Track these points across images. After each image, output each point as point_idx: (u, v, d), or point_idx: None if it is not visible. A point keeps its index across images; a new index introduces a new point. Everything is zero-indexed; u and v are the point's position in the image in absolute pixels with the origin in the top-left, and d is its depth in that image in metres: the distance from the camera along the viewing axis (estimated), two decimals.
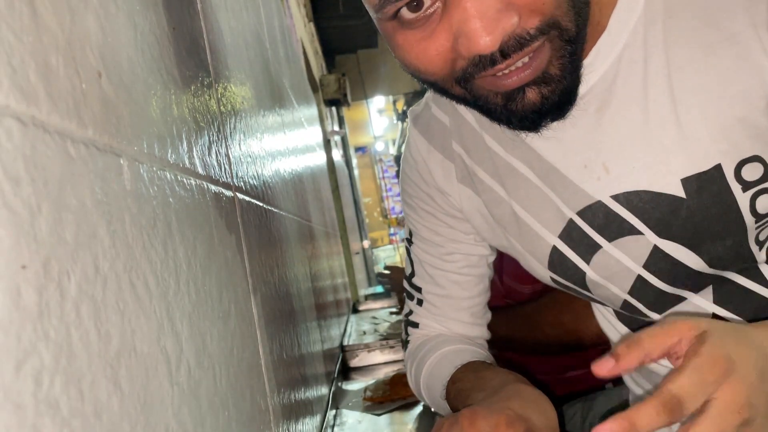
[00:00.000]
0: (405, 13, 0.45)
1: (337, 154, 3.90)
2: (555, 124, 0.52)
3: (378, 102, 7.46)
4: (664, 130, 0.51)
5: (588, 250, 0.58)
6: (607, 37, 0.51)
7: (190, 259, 0.45)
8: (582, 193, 0.56)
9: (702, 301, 0.56)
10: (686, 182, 0.51)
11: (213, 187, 0.55)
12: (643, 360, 0.42)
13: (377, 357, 1.62)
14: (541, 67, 0.45)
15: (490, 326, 0.81)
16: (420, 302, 0.78)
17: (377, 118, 8.38)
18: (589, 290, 0.62)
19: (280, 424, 0.67)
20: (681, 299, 0.57)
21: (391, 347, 1.61)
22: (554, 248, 0.61)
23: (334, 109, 4.42)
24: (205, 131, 0.56)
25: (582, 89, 0.51)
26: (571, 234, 0.59)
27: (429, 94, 0.70)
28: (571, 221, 0.58)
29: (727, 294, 0.55)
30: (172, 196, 0.43)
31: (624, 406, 1.13)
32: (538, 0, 0.43)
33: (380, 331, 1.91)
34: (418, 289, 0.78)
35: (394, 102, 7.78)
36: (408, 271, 0.79)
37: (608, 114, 0.52)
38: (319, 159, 2.47)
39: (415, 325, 0.79)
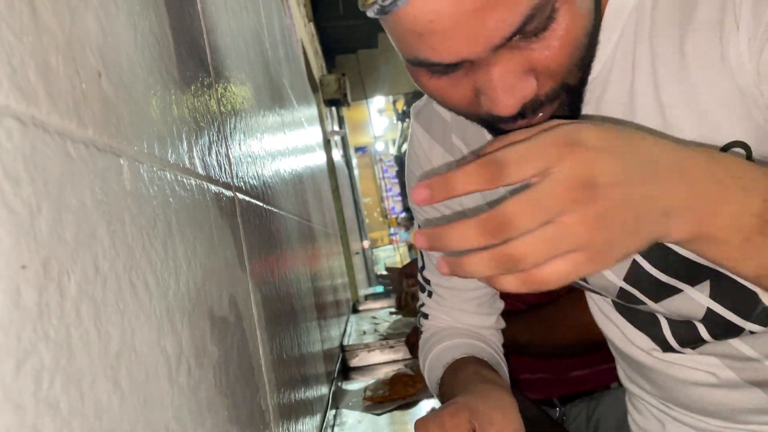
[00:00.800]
0: (438, 68, 0.47)
1: (337, 154, 3.89)
2: None
3: (378, 102, 7.46)
4: (648, 119, 0.52)
5: None
6: (605, 28, 0.52)
7: (190, 259, 0.45)
8: None
9: (698, 295, 0.57)
10: None
11: (213, 187, 0.55)
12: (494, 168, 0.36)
13: (377, 357, 1.62)
14: (546, 116, 0.49)
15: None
16: (430, 294, 0.81)
17: (377, 118, 8.38)
18: (585, 279, 0.63)
19: (279, 424, 0.67)
20: (677, 290, 0.57)
21: (391, 347, 1.61)
22: None
23: (334, 109, 4.42)
24: (205, 131, 0.56)
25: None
26: None
27: None
28: None
29: (723, 290, 0.56)
30: (172, 196, 0.43)
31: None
32: (555, 68, 0.45)
33: (380, 331, 1.91)
34: (428, 282, 0.81)
35: (394, 102, 7.78)
36: (420, 264, 0.82)
37: (603, 102, 0.54)
38: (319, 159, 2.47)
39: (426, 316, 0.83)
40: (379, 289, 3.22)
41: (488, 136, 0.64)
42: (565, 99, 0.48)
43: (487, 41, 0.42)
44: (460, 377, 0.70)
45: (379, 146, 10.68)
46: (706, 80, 0.49)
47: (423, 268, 0.81)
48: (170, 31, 0.51)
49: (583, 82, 0.49)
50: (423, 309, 0.83)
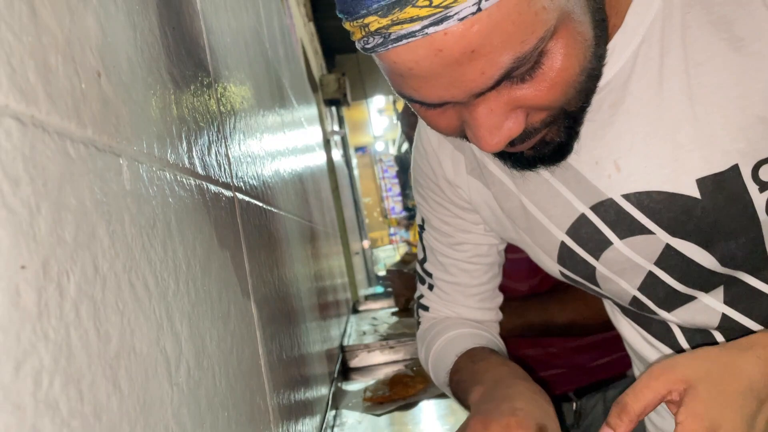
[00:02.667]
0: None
1: (337, 154, 3.89)
2: None
3: (378, 102, 7.45)
4: (680, 128, 0.50)
5: (598, 246, 0.58)
6: (622, 34, 0.51)
7: (190, 259, 0.45)
8: (594, 189, 0.56)
9: (712, 301, 0.56)
10: (701, 182, 0.50)
11: (213, 187, 0.55)
12: (637, 421, 0.44)
13: (377, 357, 1.62)
14: (538, 139, 0.48)
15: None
16: (431, 287, 0.81)
17: (377, 118, 8.37)
18: (598, 285, 0.62)
19: (279, 424, 0.67)
20: (691, 298, 0.57)
21: (391, 347, 1.61)
22: (563, 243, 0.61)
23: (334, 109, 4.42)
24: (205, 131, 0.56)
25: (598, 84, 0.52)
26: (579, 231, 0.59)
27: None
28: (582, 216, 0.58)
29: (737, 295, 0.55)
30: (171, 196, 0.42)
31: None
32: (548, 102, 0.44)
33: (380, 331, 1.91)
34: (429, 275, 0.80)
35: (394, 102, 7.77)
36: (420, 257, 0.82)
37: (622, 111, 0.52)
38: (319, 159, 2.47)
39: (426, 308, 0.82)
40: (379, 289, 3.23)
41: None
42: (562, 120, 0.48)
43: (468, 90, 0.42)
44: (481, 367, 0.68)
45: (379, 146, 10.68)
46: (749, 93, 0.47)
47: (424, 260, 0.80)
48: (170, 31, 0.50)
49: (586, 100, 0.48)
50: (422, 301, 0.83)
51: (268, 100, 1.08)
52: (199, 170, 0.51)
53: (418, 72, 0.42)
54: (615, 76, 0.51)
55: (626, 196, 0.54)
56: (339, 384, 1.42)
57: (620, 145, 0.53)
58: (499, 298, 0.81)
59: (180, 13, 0.55)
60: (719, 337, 0.58)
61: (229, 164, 0.64)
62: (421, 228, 0.79)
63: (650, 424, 0.76)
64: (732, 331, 0.56)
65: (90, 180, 0.30)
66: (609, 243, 0.57)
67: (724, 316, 0.56)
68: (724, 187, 0.50)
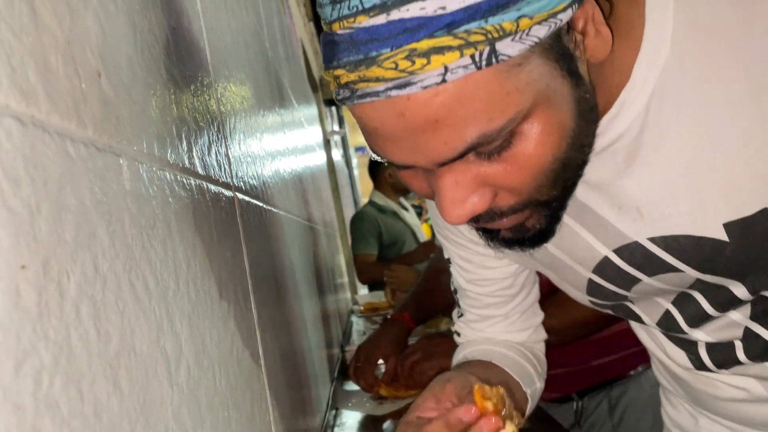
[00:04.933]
0: None
1: (337, 154, 3.89)
2: (587, 166, 0.51)
3: None
4: (703, 176, 0.48)
5: (627, 283, 0.58)
6: (630, 89, 0.49)
7: (190, 259, 0.45)
8: (618, 232, 0.54)
9: (739, 317, 0.56)
10: (729, 226, 0.49)
11: (213, 187, 0.55)
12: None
13: None
14: (514, 222, 0.47)
15: None
16: (461, 315, 0.82)
17: None
18: (631, 301, 0.62)
19: (279, 424, 0.67)
20: (718, 316, 0.57)
21: None
22: (590, 280, 0.61)
23: (334, 108, 4.42)
24: (205, 131, 0.56)
25: (608, 138, 0.50)
26: (605, 270, 0.58)
27: None
28: (606, 258, 0.57)
29: (764, 310, 0.55)
30: (171, 196, 0.43)
31: (654, 392, 1.13)
32: (517, 184, 0.44)
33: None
34: (458, 305, 0.81)
35: None
36: (452, 288, 0.82)
37: (638, 162, 0.50)
38: (319, 159, 2.47)
39: (458, 334, 0.83)
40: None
41: None
42: (537, 209, 0.46)
43: (431, 158, 0.42)
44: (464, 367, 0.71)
45: None
46: None
47: (455, 291, 0.81)
48: (170, 31, 0.50)
49: (564, 188, 0.46)
50: (454, 327, 0.83)
51: (268, 100, 1.08)
52: (199, 170, 0.51)
53: (383, 132, 0.42)
54: (627, 130, 0.50)
55: (652, 239, 0.53)
56: (339, 384, 1.42)
57: (640, 194, 0.51)
58: (536, 318, 0.79)
59: (180, 13, 0.55)
60: (740, 349, 0.57)
61: (229, 164, 0.64)
62: (449, 262, 0.80)
63: (666, 417, 0.76)
64: (754, 344, 0.56)
65: (90, 180, 0.30)
66: (638, 280, 0.57)
67: (747, 330, 0.56)
68: (752, 229, 0.48)
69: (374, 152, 0.46)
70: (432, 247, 2.13)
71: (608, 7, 0.46)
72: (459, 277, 0.77)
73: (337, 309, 1.89)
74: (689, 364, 0.63)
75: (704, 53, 0.46)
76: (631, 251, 0.55)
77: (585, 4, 0.42)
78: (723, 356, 0.59)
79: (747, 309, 0.55)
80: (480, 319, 0.78)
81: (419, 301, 1.40)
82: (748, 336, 0.56)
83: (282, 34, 1.69)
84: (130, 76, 0.39)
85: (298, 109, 1.76)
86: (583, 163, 0.47)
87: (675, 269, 0.54)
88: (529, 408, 0.73)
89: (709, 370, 0.62)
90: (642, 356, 1.15)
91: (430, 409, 0.60)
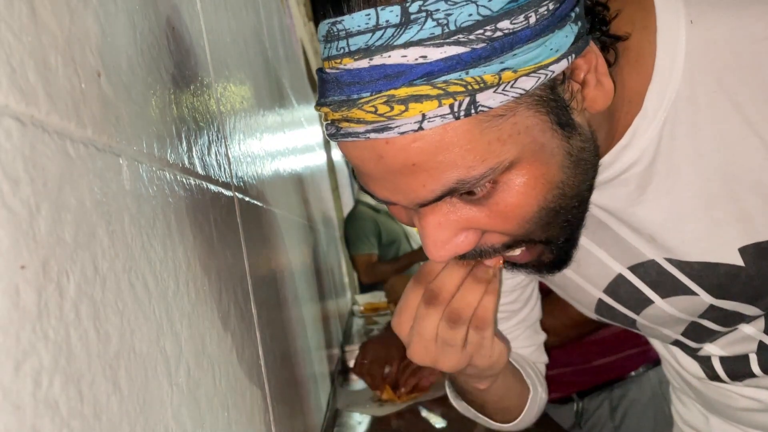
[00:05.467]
0: None
1: (337, 154, 3.89)
2: (595, 194, 0.51)
3: None
4: (716, 206, 0.48)
5: (638, 304, 0.58)
6: (642, 118, 0.48)
7: (190, 259, 0.45)
8: (634, 250, 0.54)
9: (753, 331, 0.56)
10: (744, 251, 0.49)
11: (212, 187, 0.55)
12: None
13: None
14: (528, 258, 0.47)
15: None
16: None
17: None
18: (640, 331, 0.62)
19: (279, 425, 0.67)
20: (732, 330, 0.57)
21: None
22: (600, 300, 0.60)
23: None
24: (205, 131, 0.56)
25: (620, 167, 0.50)
26: (617, 290, 0.58)
27: None
28: (620, 276, 0.57)
29: None
30: (171, 195, 0.42)
31: (656, 392, 1.13)
32: (499, 228, 0.43)
33: (380, 331, 1.90)
34: None
35: None
36: None
37: (651, 190, 0.50)
38: (319, 159, 2.47)
39: None
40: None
41: None
42: (542, 246, 0.46)
43: (411, 199, 0.42)
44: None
45: None
46: None
47: None
48: (170, 31, 0.50)
49: (566, 232, 0.46)
50: None
51: (268, 100, 1.08)
52: (199, 170, 0.51)
53: (364, 171, 0.43)
54: (639, 159, 0.49)
55: (669, 260, 0.53)
56: (339, 384, 1.42)
57: (653, 222, 0.51)
58: (539, 336, 0.78)
59: (180, 13, 0.55)
60: (754, 361, 0.57)
61: (229, 164, 0.64)
62: None
63: (677, 415, 0.76)
64: (767, 354, 0.57)
65: (90, 180, 0.30)
66: (650, 302, 0.56)
67: (762, 343, 0.56)
68: (767, 253, 0.48)
69: (360, 186, 0.47)
70: None
71: (614, 56, 0.45)
72: None
73: (337, 309, 1.89)
74: (702, 374, 0.63)
75: (716, 82, 0.45)
76: (647, 269, 0.54)
77: (587, 54, 0.42)
78: (737, 368, 0.59)
79: (761, 322, 0.55)
80: None
81: None
82: (763, 348, 0.56)
83: (282, 34, 1.69)
84: (130, 76, 0.39)
85: (298, 109, 1.76)
86: (582, 203, 0.46)
87: (690, 292, 0.53)
88: (527, 410, 0.71)
89: (723, 381, 0.61)
90: (643, 357, 1.15)
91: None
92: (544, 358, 0.80)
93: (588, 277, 0.59)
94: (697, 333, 0.58)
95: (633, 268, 0.55)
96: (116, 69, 0.37)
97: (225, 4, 0.80)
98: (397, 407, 1.18)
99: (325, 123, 0.44)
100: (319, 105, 0.42)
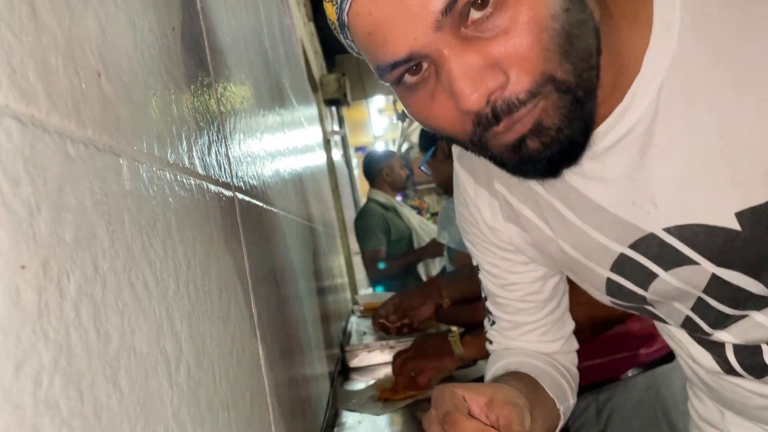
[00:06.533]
0: (407, 78, 0.48)
1: (337, 154, 3.89)
2: (597, 165, 0.53)
3: (378, 102, 7.44)
4: (713, 166, 0.49)
5: (644, 278, 0.58)
6: (641, 80, 0.49)
7: (190, 259, 0.45)
8: (632, 227, 0.55)
9: (763, 318, 0.56)
10: (741, 215, 0.49)
11: (213, 187, 0.55)
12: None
13: (377, 357, 1.62)
14: (532, 119, 0.46)
15: None
16: (492, 323, 0.82)
17: (377, 118, 8.36)
18: (653, 307, 0.62)
19: (279, 424, 0.67)
20: (743, 317, 0.57)
21: (391, 347, 1.61)
22: (608, 279, 0.61)
23: (334, 108, 4.42)
24: (205, 131, 0.56)
25: (622, 131, 0.51)
26: (623, 267, 0.59)
27: None
28: (622, 255, 0.58)
29: None
30: (171, 196, 0.42)
31: (642, 398, 1.12)
32: (524, 55, 0.43)
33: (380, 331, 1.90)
34: (490, 312, 0.81)
35: (394, 102, 7.76)
36: (483, 295, 0.83)
37: (651, 153, 0.51)
38: (319, 159, 2.47)
39: (491, 342, 0.84)
40: (379, 289, 3.22)
41: (532, 184, 0.63)
42: (556, 97, 0.45)
43: (425, 21, 0.42)
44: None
45: (380, 146, 10.67)
46: None
47: (485, 299, 0.82)
48: (170, 30, 0.50)
49: (582, 74, 0.45)
50: (487, 335, 0.84)
51: (268, 100, 1.08)
52: (199, 170, 0.51)
53: (379, 17, 0.43)
54: (639, 121, 0.50)
55: (667, 230, 0.53)
56: (339, 384, 1.42)
57: (655, 185, 0.52)
58: (567, 327, 0.80)
59: (180, 13, 0.55)
60: (767, 352, 0.57)
61: (229, 164, 0.64)
62: (477, 269, 0.80)
63: (693, 411, 0.76)
64: None
65: (90, 180, 0.30)
66: (655, 275, 0.57)
67: None
68: (764, 218, 0.49)
69: (380, 65, 0.47)
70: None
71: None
72: (488, 283, 0.78)
73: (337, 309, 1.89)
74: (717, 368, 0.63)
75: (711, 45, 0.47)
76: (647, 243, 0.55)
77: None
78: (751, 360, 0.59)
79: None
80: (512, 327, 0.78)
81: (456, 282, 1.48)
82: None
83: (282, 34, 1.69)
84: (130, 76, 0.39)
85: (298, 109, 1.76)
86: (592, 46, 0.46)
87: (691, 261, 0.54)
88: (561, 425, 0.72)
89: (738, 375, 0.61)
90: (630, 361, 1.15)
91: (476, 404, 0.57)
92: (575, 346, 0.81)
93: (593, 258, 0.61)
94: (706, 313, 0.58)
95: (633, 246, 0.56)
96: (116, 69, 0.37)
97: (225, 4, 0.80)
98: (397, 407, 1.19)
99: (334, 9, 0.45)
100: None
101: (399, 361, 1.26)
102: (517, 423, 0.55)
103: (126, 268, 0.33)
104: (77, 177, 0.29)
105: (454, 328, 1.28)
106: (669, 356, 1.15)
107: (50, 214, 0.26)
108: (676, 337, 0.68)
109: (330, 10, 0.46)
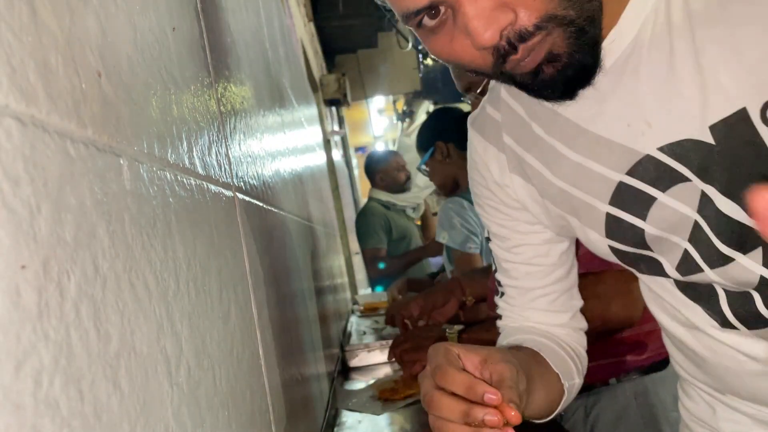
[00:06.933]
0: (427, 21, 0.53)
1: (337, 154, 3.90)
2: (593, 93, 0.57)
3: (378, 102, 7.45)
4: (688, 80, 0.52)
5: (643, 206, 0.60)
6: (633, 5, 0.54)
7: (190, 259, 0.45)
8: (629, 151, 0.58)
9: (751, 264, 0.57)
10: (713, 129, 0.52)
11: (213, 187, 0.55)
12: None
13: (377, 357, 1.62)
14: (544, 49, 0.51)
15: None
16: (501, 295, 0.83)
17: (377, 118, 8.36)
18: (650, 248, 0.63)
19: (279, 424, 0.67)
20: (731, 260, 0.58)
21: None
22: (608, 215, 0.63)
23: (334, 109, 4.42)
24: (205, 131, 0.56)
25: (615, 54, 0.56)
26: (622, 197, 0.61)
27: (485, 98, 0.77)
28: (620, 183, 0.60)
29: None
30: (171, 196, 0.43)
31: (630, 405, 1.13)
32: None
33: (380, 331, 1.91)
34: (500, 283, 0.83)
35: (394, 102, 7.76)
36: (493, 268, 0.85)
37: (643, 74, 0.55)
38: (319, 159, 2.47)
39: (499, 317, 0.85)
40: (379, 289, 3.22)
41: (535, 129, 0.67)
42: (560, 30, 0.50)
43: None
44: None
45: (379, 146, 10.67)
46: (748, 35, 0.49)
47: (495, 271, 0.83)
48: (170, 31, 0.50)
49: (582, 8, 0.50)
50: (497, 311, 0.85)
51: (269, 101, 1.08)
52: (200, 170, 0.51)
53: None
54: (630, 44, 0.55)
55: (661, 149, 0.56)
56: (339, 383, 1.42)
57: (646, 105, 0.56)
58: (576, 302, 0.81)
59: (180, 14, 0.55)
60: (759, 300, 0.58)
61: (230, 164, 0.64)
62: (488, 240, 0.82)
63: (684, 411, 0.77)
64: None
65: (90, 180, 0.30)
66: (653, 199, 0.59)
67: (762, 278, 0.57)
68: (734, 131, 0.51)
69: (404, 12, 0.52)
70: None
71: None
72: (496, 249, 0.80)
73: (337, 309, 1.89)
74: (712, 321, 0.63)
75: None
76: (644, 166, 0.58)
77: None
78: (744, 309, 0.60)
79: (758, 254, 0.56)
80: (520, 294, 0.79)
81: (479, 280, 1.50)
82: (764, 284, 0.57)
83: (282, 34, 1.69)
84: (131, 76, 0.39)
85: (298, 110, 1.76)
86: None
87: (684, 178, 0.56)
88: (564, 402, 0.73)
89: (733, 327, 0.62)
90: (618, 367, 1.15)
91: (470, 363, 0.58)
92: (583, 324, 0.82)
93: (592, 191, 0.63)
94: (702, 245, 0.59)
95: (631, 171, 0.59)
96: (117, 69, 0.37)
97: (225, 4, 0.80)
98: (397, 406, 1.19)
99: None
100: None
101: (397, 353, 1.28)
102: (510, 379, 0.56)
103: (126, 268, 0.33)
104: (77, 177, 0.29)
105: (455, 327, 1.28)
106: (660, 365, 1.15)
107: (50, 214, 0.26)
108: (668, 305, 0.68)
109: None
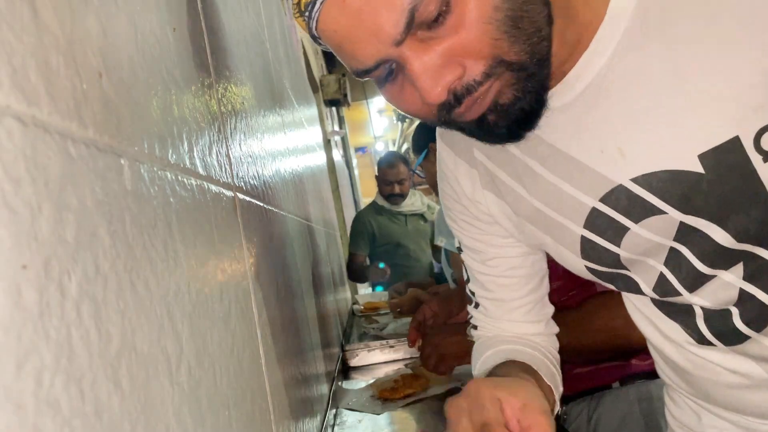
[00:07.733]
0: (377, 73, 0.52)
1: (337, 154, 3.90)
2: (567, 116, 0.56)
3: (378, 102, 7.44)
4: (674, 108, 0.51)
5: (616, 233, 0.59)
6: (603, 31, 0.53)
7: (191, 259, 0.45)
8: (602, 178, 0.57)
9: (732, 278, 0.56)
10: (703, 157, 0.50)
11: (213, 187, 0.55)
12: None
13: (377, 356, 1.62)
14: (489, 99, 0.51)
15: None
16: (476, 305, 0.83)
17: (377, 119, 8.36)
18: (626, 268, 0.63)
19: (280, 423, 0.67)
20: (712, 277, 0.57)
21: (391, 347, 1.62)
22: (583, 237, 0.62)
23: (334, 109, 4.42)
24: (206, 131, 0.56)
25: (587, 80, 0.54)
26: (595, 222, 0.60)
27: None
28: (594, 209, 0.59)
29: (757, 271, 0.55)
30: (172, 196, 0.43)
31: (633, 409, 1.13)
32: (475, 47, 0.47)
33: (380, 331, 1.91)
34: (473, 294, 0.83)
35: None
36: (465, 277, 0.84)
37: (615, 99, 0.54)
38: (319, 159, 2.47)
39: (475, 327, 0.84)
40: (379, 288, 3.23)
41: (507, 146, 0.65)
42: (509, 75, 0.49)
43: (387, 37, 0.46)
44: (499, 371, 0.71)
45: (380, 146, 10.66)
46: (736, 62, 0.48)
47: (468, 281, 0.83)
48: (171, 31, 0.51)
49: (532, 50, 0.49)
50: (472, 321, 0.85)
51: (269, 101, 1.08)
52: (200, 170, 0.51)
53: (343, 34, 0.48)
54: (602, 69, 0.54)
55: (635, 180, 0.55)
56: (339, 383, 1.42)
57: (619, 132, 0.54)
58: (548, 309, 0.81)
59: (181, 14, 0.55)
60: (736, 315, 0.58)
61: (230, 164, 0.64)
62: (459, 250, 0.82)
63: (670, 416, 0.76)
64: (750, 308, 0.57)
65: (91, 180, 0.30)
66: (626, 228, 0.58)
67: (742, 291, 0.56)
68: (726, 159, 0.50)
69: (354, 70, 0.51)
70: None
71: None
72: (470, 261, 0.79)
73: (337, 309, 1.89)
74: (688, 338, 0.63)
75: None
76: (617, 196, 0.57)
77: None
78: (721, 325, 0.59)
79: (740, 269, 0.55)
80: (496, 306, 0.79)
81: None
82: (743, 299, 0.56)
83: (282, 34, 1.69)
84: (131, 76, 0.39)
85: (299, 110, 1.76)
86: (541, 20, 0.49)
87: (659, 211, 0.55)
88: (554, 412, 0.72)
89: (709, 344, 0.61)
90: (621, 371, 1.15)
91: (510, 408, 0.57)
92: (555, 329, 0.82)
93: (566, 214, 0.62)
94: (679, 269, 0.58)
95: (604, 199, 0.58)
96: (117, 69, 0.37)
97: (226, 5, 0.80)
98: (397, 406, 1.19)
99: (306, 25, 0.49)
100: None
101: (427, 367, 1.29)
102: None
103: (127, 268, 0.33)
104: (78, 177, 0.29)
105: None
106: None
107: (52, 214, 0.26)
108: (647, 318, 0.68)
109: (302, 24, 0.50)
